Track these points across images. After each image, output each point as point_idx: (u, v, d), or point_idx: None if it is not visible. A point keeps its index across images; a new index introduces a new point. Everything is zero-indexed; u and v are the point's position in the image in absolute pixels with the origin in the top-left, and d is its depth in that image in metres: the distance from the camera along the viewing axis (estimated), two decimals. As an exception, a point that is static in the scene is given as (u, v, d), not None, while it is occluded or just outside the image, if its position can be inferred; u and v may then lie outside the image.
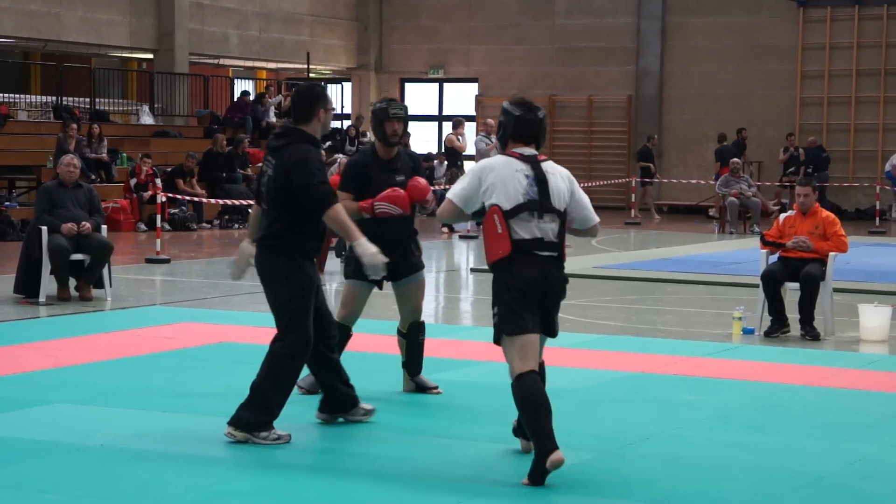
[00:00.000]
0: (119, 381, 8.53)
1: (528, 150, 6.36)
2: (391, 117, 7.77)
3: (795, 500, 6.00)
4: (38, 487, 5.90)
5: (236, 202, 21.70)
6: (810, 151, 27.11)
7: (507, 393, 6.21)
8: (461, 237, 21.76)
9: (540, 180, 6.27)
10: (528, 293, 6.18)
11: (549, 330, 6.35)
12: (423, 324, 8.07)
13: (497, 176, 6.27)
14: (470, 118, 29.39)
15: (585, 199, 6.48)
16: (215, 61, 30.08)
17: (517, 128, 6.36)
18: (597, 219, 6.50)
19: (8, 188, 22.35)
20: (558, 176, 6.38)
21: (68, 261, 12.61)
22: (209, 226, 22.92)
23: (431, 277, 16.94)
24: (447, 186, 24.16)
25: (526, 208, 6.22)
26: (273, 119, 27.81)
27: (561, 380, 8.07)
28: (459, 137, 24.35)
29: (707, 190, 27.28)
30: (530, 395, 6.04)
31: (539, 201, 6.24)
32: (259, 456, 6.55)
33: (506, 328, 6.20)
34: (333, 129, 29.95)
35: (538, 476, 6.02)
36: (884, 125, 28.24)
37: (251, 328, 10.88)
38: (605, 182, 27.93)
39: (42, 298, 12.49)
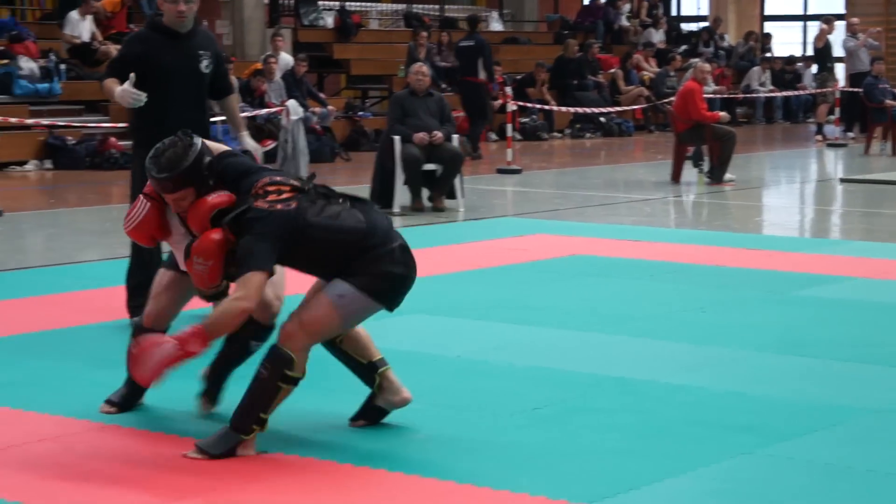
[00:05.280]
0: (473, 292, 8.35)
1: None
2: None
3: None
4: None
5: (587, 110, 21.26)
6: None
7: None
8: (829, 145, 20.77)
9: None
10: None
11: None
12: None
13: None
14: (839, 17, 26.98)
15: None
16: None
17: None
18: None
19: (361, 98, 22.66)
20: None
21: (421, 170, 12.52)
22: (560, 135, 22.61)
23: (799, 189, 16.17)
24: (819, 91, 22.91)
25: None
26: (626, 23, 27.10)
27: None
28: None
29: None
30: None
31: None
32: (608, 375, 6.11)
33: None
34: (690, 31, 28.89)
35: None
36: None
37: (605, 240, 10.55)
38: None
39: (396, 209, 12.47)
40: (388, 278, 5.03)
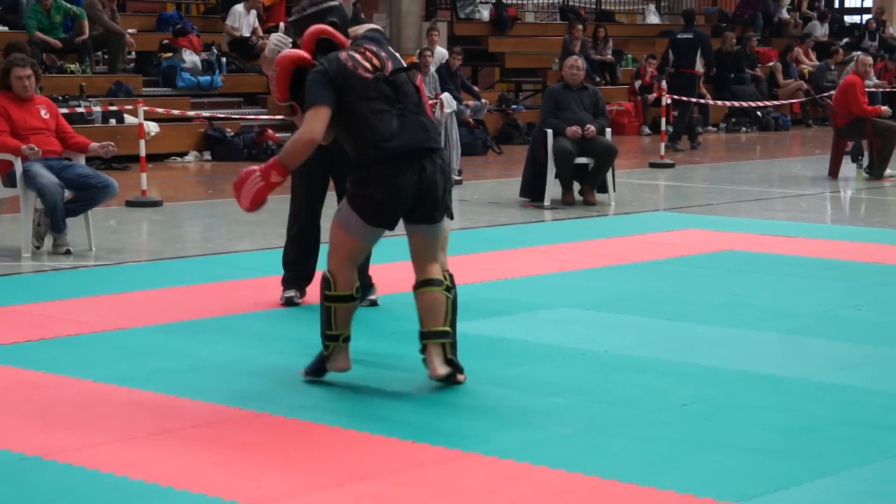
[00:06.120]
0: (622, 286, 8.30)
1: None
2: None
3: None
4: (547, 391, 5.75)
5: (744, 104, 20.96)
6: None
7: None
8: None
9: None
10: None
11: None
12: None
13: None
14: None
15: None
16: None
17: None
18: None
19: (514, 91, 22.68)
20: None
21: (573, 164, 12.49)
22: (715, 129, 22.34)
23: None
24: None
25: None
26: (786, 16, 26.63)
27: None
28: None
29: None
30: None
31: None
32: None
33: None
34: (852, 24, 28.26)
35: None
36: None
37: (758, 236, 10.42)
38: None
39: (547, 202, 12.45)
40: (364, 197, 5.49)
